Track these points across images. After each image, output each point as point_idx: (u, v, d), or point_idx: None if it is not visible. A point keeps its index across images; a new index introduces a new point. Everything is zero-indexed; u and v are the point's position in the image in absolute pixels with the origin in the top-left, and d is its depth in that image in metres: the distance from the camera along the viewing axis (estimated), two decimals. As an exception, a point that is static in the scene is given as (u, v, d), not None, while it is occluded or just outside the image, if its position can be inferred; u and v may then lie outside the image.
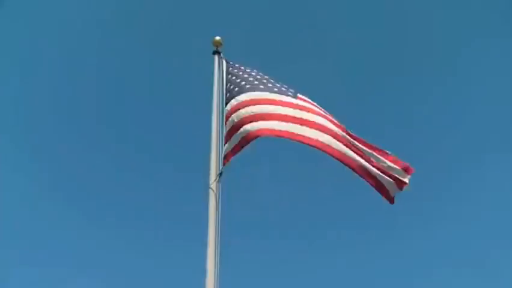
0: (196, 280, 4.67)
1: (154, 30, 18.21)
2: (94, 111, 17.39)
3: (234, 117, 5.52)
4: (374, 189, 5.44)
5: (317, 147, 5.34)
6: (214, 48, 6.55)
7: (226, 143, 5.50)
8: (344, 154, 5.38)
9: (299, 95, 5.90)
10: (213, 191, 5.23)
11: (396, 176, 5.45)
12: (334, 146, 5.37)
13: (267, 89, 5.86)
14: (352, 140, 5.60)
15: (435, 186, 16.72)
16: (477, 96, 16.94)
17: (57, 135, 17.14)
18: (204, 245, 4.81)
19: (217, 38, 6.61)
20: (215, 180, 5.30)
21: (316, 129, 5.45)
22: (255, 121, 5.41)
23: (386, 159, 5.55)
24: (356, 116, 16.97)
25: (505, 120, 15.45)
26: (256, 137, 5.32)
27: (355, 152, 5.48)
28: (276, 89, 5.90)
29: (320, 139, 5.37)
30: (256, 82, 5.97)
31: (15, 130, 15.52)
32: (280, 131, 5.38)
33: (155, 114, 18.25)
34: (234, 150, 5.38)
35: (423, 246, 15.54)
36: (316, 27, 18.50)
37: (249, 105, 5.57)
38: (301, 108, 5.66)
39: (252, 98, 5.68)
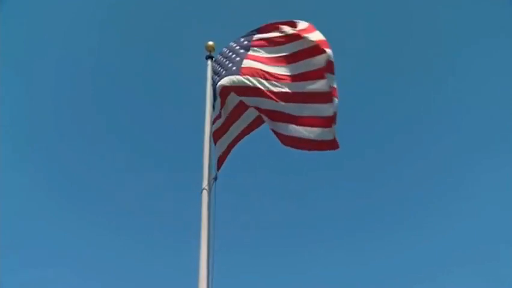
0: (190, 282, 4.78)
1: (149, 33, 18.30)
2: (93, 112, 17.50)
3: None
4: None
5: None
6: (207, 53, 6.69)
7: (216, 143, 5.77)
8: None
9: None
10: (207, 193, 5.33)
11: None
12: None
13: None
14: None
15: (435, 186, 16.80)
16: (479, 96, 16.92)
17: (55, 134, 17.25)
18: (197, 247, 4.92)
19: (210, 42, 6.75)
20: (208, 183, 5.41)
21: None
22: None
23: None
24: (354, 116, 17.03)
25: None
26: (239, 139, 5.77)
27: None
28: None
29: None
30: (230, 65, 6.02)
31: (15, 130, 15.64)
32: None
33: (152, 117, 18.31)
34: (225, 154, 5.76)
35: (423, 246, 15.59)
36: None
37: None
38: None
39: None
